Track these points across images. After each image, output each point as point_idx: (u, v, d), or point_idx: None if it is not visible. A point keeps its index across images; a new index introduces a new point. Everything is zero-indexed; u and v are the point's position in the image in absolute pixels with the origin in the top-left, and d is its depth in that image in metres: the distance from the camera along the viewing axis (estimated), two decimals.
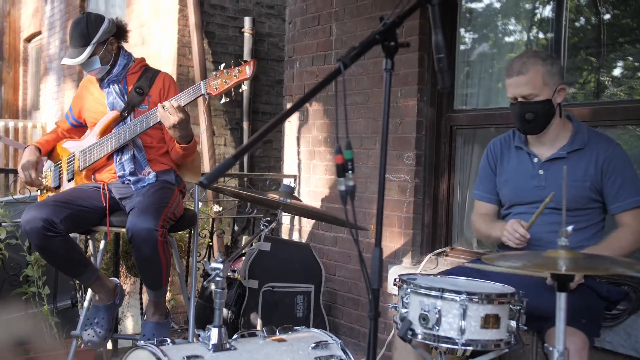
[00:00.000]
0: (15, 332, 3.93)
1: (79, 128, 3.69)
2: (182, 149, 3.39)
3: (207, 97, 3.27)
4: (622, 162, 2.83)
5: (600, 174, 2.81)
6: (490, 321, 2.28)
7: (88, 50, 3.41)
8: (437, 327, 2.29)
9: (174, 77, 6.77)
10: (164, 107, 3.20)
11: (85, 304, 3.58)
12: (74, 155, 3.55)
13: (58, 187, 3.58)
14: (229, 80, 3.22)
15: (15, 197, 4.48)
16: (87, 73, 3.56)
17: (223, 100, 3.29)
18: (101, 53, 3.46)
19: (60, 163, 3.60)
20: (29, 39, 12.37)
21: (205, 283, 4.60)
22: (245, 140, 7.25)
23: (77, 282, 4.32)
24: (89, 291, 3.53)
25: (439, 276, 2.80)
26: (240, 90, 3.33)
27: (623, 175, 2.81)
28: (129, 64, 3.57)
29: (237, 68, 3.23)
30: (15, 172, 5.70)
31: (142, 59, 3.67)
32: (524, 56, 2.89)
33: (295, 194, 4.89)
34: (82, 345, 3.47)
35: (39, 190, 3.63)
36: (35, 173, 3.44)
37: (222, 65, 3.27)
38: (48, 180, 3.61)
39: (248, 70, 3.21)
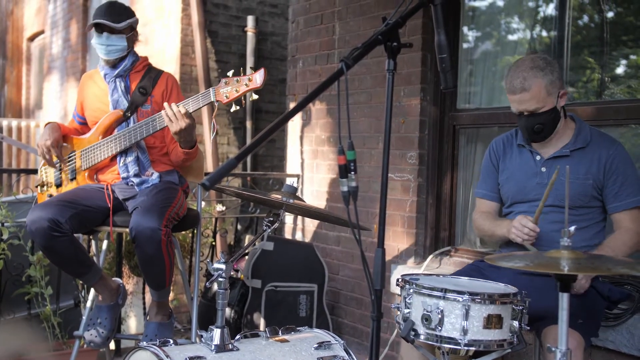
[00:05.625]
0: (15, 337, 3.93)
1: (86, 125, 3.65)
2: (184, 154, 3.37)
3: (216, 104, 3.20)
4: (624, 161, 2.83)
5: (603, 173, 2.82)
6: (492, 321, 2.28)
7: (125, 23, 3.43)
8: (439, 328, 2.29)
9: (177, 76, 6.78)
10: (172, 110, 3.17)
11: (88, 304, 3.59)
12: (74, 153, 3.53)
13: (60, 185, 3.56)
14: (239, 89, 3.16)
15: (17, 197, 4.48)
16: (105, 54, 3.47)
17: (234, 109, 3.25)
18: (128, 36, 3.47)
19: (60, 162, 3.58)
20: (31, 38, 12.39)
21: (208, 283, 4.60)
22: (249, 140, 7.25)
23: (80, 282, 4.33)
24: (92, 291, 3.53)
25: (448, 276, 2.79)
26: (250, 99, 3.29)
27: (624, 175, 2.81)
28: (136, 61, 3.57)
29: (246, 76, 3.16)
30: (17, 172, 5.74)
31: (145, 58, 3.65)
32: (522, 70, 2.79)
33: (298, 193, 4.88)
34: (85, 346, 3.48)
35: (38, 188, 3.61)
36: (55, 150, 3.42)
37: (231, 72, 3.20)
38: (50, 176, 3.59)
39: (258, 79, 3.14)
